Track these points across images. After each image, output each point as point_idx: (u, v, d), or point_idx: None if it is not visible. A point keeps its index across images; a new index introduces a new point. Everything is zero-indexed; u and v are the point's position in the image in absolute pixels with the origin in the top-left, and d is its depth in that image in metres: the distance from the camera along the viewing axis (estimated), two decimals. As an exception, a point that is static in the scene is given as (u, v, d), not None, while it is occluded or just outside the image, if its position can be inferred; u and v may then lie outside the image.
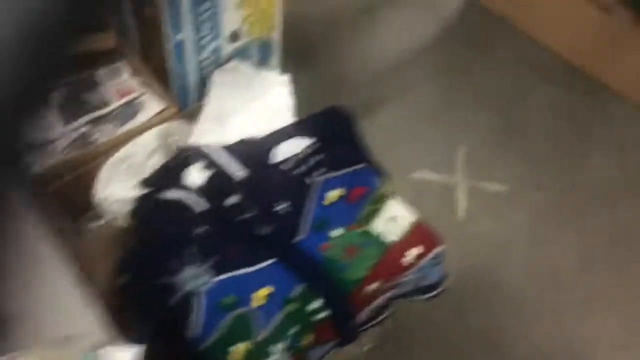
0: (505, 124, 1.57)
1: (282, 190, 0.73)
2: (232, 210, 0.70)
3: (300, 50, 1.64)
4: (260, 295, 0.66)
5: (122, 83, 1.23)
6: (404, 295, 0.82)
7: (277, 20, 1.21)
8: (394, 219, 0.75)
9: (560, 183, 1.47)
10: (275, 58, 1.29)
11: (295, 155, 0.76)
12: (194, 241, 0.66)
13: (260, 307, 0.65)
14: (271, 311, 0.65)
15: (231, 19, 1.11)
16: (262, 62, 1.25)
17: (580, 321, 1.23)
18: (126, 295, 0.63)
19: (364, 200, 0.75)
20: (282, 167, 0.75)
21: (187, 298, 0.62)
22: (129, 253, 0.65)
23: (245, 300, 0.65)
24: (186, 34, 1.06)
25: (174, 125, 1.10)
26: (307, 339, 0.65)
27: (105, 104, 1.20)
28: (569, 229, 1.39)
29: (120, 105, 1.21)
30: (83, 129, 1.16)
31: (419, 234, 0.74)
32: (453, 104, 1.59)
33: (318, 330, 0.66)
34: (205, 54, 1.13)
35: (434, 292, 0.82)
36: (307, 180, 0.74)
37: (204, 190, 0.71)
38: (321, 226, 0.73)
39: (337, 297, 0.68)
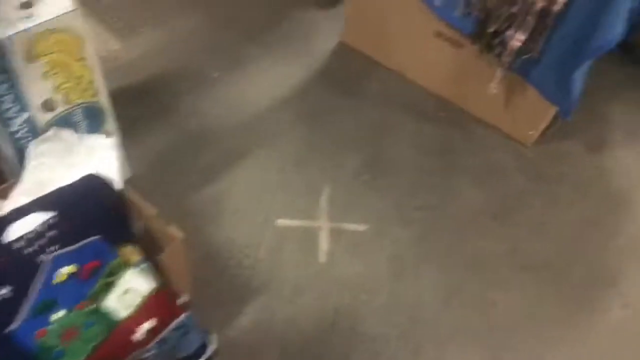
0: (371, 163, 1.54)
1: (7, 273, 0.67)
2: None
3: (156, 110, 1.62)
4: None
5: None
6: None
7: (99, 84, 1.18)
8: (127, 292, 0.70)
9: (426, 218, 1.43)
10: (109, 122, 1.25)
11: (30, 232, 0.71)
12: None
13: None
14: None
15: (39, 89, 1.08)
16: (93, 127, 1.21)
17: (442, 357, 1.18)
18: None
19: (97, 274, 0.70)
20: (14, 246, 0.70)
21: None
22: None
23: None
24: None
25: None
26: None
27: None
28: (431, 263, 1.35)
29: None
30: None
31: (152, 306, 0.68)
32: (319, 148, 1.56)
33: None
34: (15, 126, 1.08)
35: (198, 361, 0.77)
36: (39, 259, 0.69)
37: None
38: (44, 309, 0.67)
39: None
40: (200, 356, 0.75)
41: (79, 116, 1.19)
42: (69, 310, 0.66)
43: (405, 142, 1.64)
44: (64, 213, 0.72)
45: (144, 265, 0.73)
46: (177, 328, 0.68)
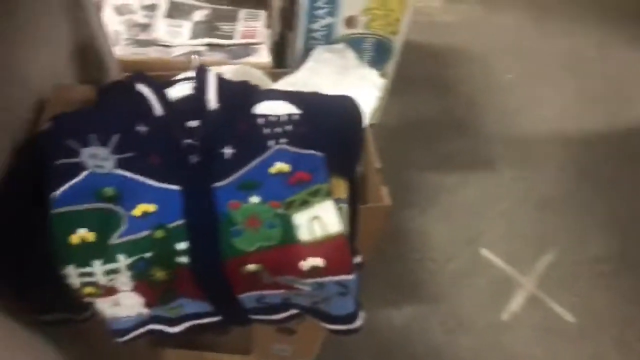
0: (618, 255, 1.25)
1: (240, 138, 0.68)
2: (184, 130, 0.68)
3: (434, 79, 1.53)
4: (142, 208, 0.63)
5: (252, 27, 1.30)
6: (305, 310, 0.70)
7: (404, 26, 1.14)
8: (317, 219, 0.64)
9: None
10: (390, 65, 1.22)
11: (274, 116, 0.71)
12: (126, 132, 0.66)
13: (132, 217, 0.62)
14: (140, 227, 0.61)
15: (352, 3, 1.08)
16: (375, 62, 1.19)
17: None
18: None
19: (302, 187, 0.66)
20: (257, 120, 0.70)
21: (72, 167, 0.62)
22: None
23: (126, 203, 0.63)
24: (302, 1, 1.07)
25: (255, 72, 1.12)
26: (161, 275, 0.60)
27: (229, 37, 1.29)
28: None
29: (239, 44, 1.28)
30: (200, 47, 1.27)
31: (330, 248, 0.62)
32: (574, 206, 1.31)
33: (178, 276, 0.61)
34: (316, 25, 1.12)
35: (339, 327, 0.69)
36: (269, 143, 0.69)
37: (173, 104, 0.71)
38: (247, 187, 0.66)
39: (206, 250, 0.62)
40: (345, 324, 0.67)
41: (369, 45, 1.18)
42: (263, 202, 0.64)
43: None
44: (309, 117, 0.70)
45: (343, 206, 0.67)
46: (340, 283, 0.61)
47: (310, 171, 0.67)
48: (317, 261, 0.62)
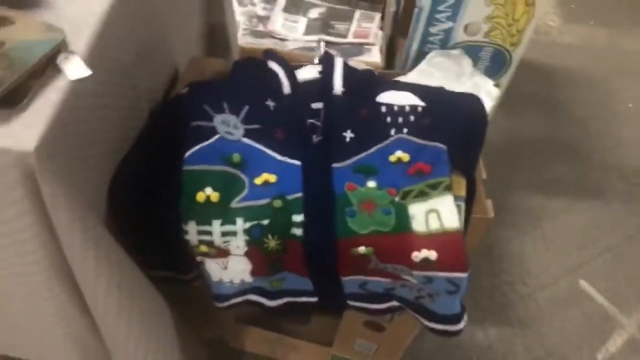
0: None
1: (362, 124, 0.69)
2: (309, 110, 0.70)
3: (548, 100, 1.46)
4: (265, 177, 0.65)
5: (366, 28, 1.32)
6: (407, 304, 0.69)
7: (525, 38, 1.11)
8: (434, 213, 0.63)
9: None
10: (505, 78, 1.18)
11: (398, 105, 0.71)
12: (255, 105, 0.69)
13: (254, 184, 0.64)
14: (260, 194, 0.63)
15: (476, 10, 1.06)
16: (490, 72, 1.16)
17: None
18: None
19: (421, 178, 0.65)
20: (381, 108, 0.71)
21: (206, 130, 0.65)
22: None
23: (249, 170, 0.65)
24: (425, 3, 1.07)
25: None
26: (273, 244, 0.62)
27: (343, 35, 1.31)
28: None
29: (352, 43, 1.30)
30: (313, 44, 1.30)
31: (444, 243, 0.61)
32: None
33: (289, 248, 0.62)
34: (434, 29, 1.11)
35: (442, 327, 0.67)
36: (391, 131, 0.69)
37: (300, 84, 0.73)
38: (365, 171, 0.66)
39: (321, 225, 0.62)
40: (449, 324, 0.65)
41: (486, 55, 1.15)
42: (380, 187, 0.63)
43: None
44: (432, 109, 0.69)
45: (461, 204, 0.65)
46: (451, 280, 0.59)
47: (431, 163, 0.66)
48: (431, 254, 0.60)
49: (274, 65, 0.73)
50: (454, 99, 0.73)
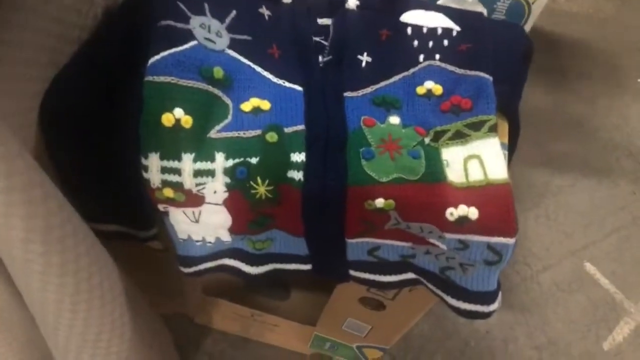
0: None
1: (382, 46, 0.52)
2: (313, 26, 0.53)
3: (551, 70, 1.33)
4: (255, 103, 0.48)
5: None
6: (428, 277, 0.54)
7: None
8: (476, 159, 0.48)
9: None
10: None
11: (426, 27, 0.54)
12: (246, 10, 0.51)
13: (240, 111, 0.47)
14: (249, 123, 0.46)
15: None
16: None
17: None
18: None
19: (458, 116, 0.50)
20: (405, 29, 0.54)
21: (178, 32, 0.47)
22: None
23: (234, 92, 0.48)
24: None
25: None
26: (263, 190, 0.45)
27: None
28: None
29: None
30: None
31: (490, 198, 0.45)
32: None
33: (283, 197, 0.46)
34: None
35: (470, 307, 0.52)
36: (420, 56, 0.52)
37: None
38: (385, 104, 0.50)
39: (329, 169, 0.46)
40: (482, 303, 0.50)
41: (503, 5, 1.00)
42: (405, 125, 0.47)
43: None
44: (470, 34, 0.53)
45: (505, 151, 0.50)
46: (493, 247, 0.44)
47: (471, 97, 0.50)
48: (470, 211, 0.45)
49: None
50: (495, 25, 0.58)
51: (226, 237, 0.51)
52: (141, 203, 0.48)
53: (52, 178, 0.41)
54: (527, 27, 1.02)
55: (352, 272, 0.55)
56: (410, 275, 0.54)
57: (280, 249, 0.53)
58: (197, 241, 0.52)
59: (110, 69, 0.47)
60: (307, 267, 0.55)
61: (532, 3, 1.00)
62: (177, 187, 0.46)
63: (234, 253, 0.54)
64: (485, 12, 0.98)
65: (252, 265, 0.55)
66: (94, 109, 0.46)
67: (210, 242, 0.52)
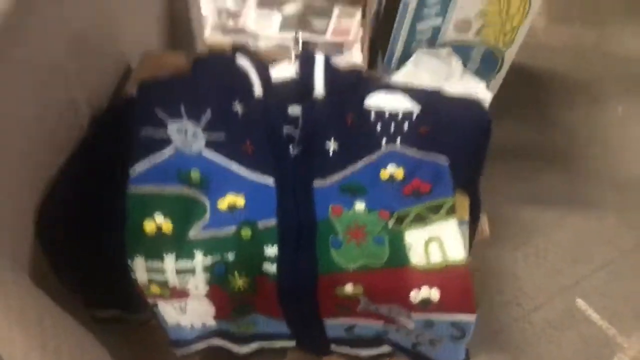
0: None
1: (348, 132, 0.57)
2: (284, 116, 0.58)
3: (535, 104, 1.38)
4: (230, 200, 0.53)
5: (345, 26, 1.21)
6: (402, 350, 0.58)
7: (519, 36, 1.01)
8: (436, 242, 0.52)
9: None
10: (496, 79, 1.09)
11: (389, 110, 0.60)
12: (220, 108, 0.57)
13: (217, 209, 0.52)
14: (224, 221, 0.51)
15: (467, 5, 0.97)
16: (480, 73, 1.06)
17: None
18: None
19: (419, 199, 0.54)
20: (369, 113, 0.59)
21: (157, 141, 0.53)
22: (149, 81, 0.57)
23: (211, 191, 0.53)
24: (412, -3, 0.96)
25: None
26: (240, 282, 0.50)
27: (321, 32, 1.20)
28: None
29: (330, 42, 1.19)
30: (289, 41, 1.18)
31: (450, 279, 0.50)
32: None
33: (260, 287, 0.50)
34: (421, 26, 1.01)
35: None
36: (382, 140, 0.57)
37: (275, 86, 0.61)
38: (351, 191, 0.55)
39: (299, 260, 0.50)
40: None
41: (477, 54, 1.05)
42: (370, 210, 0.52)
43: None
44: (429, 115, 0.58)
45: (464, 228, 0.55)
46: (456, 324, 0.48)
47: (430, 180, 0.55)
48: (433, 293, 0.50)
49: (243, 62, 0.61)
50: (453, 104, 0.63)
51: (212, 322, 0.56)
52: (132, 293, 0.53)
53: (52, 273, 0.45)
54: (502, 74, 1.08)
55: (333, 347, 0.59)
56: (386, 348, 0.58)
57: (264, 329, 0.58)
58: (186, 327, 0.56)
59: (97, 178, 0.52)
60: (292, 343, 0.59)
61: (505, 51, 1.06)
62: (162, 284, 0.50)
63: (221, 334, 0.59)
64: (460, 62, 1.04)
65: (239, 344, 0.60)
66: (85, 218, 0.51)
67: (197, 327, 0.56)
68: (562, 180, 1.26)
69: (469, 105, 0.63)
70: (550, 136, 1.35)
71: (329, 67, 0.63)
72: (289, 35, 1.19)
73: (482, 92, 1.01)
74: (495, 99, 1.12)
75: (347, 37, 1.19)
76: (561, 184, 1.25)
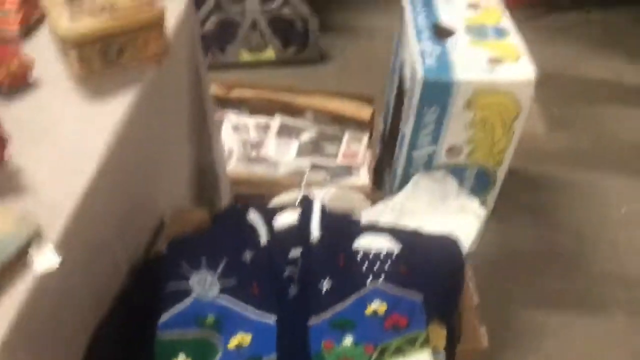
0: None
1: (339, 272, 0.70)
2: (286, 260, 0.71)
3: (543, 207, 1.47)
4: (239, 338, 0.64)
5: (354, 149, 1.37)
6: None
7: (508, 157, 1.14)
8: (411, 373, 0.62)
9: None
10: (491, 196, 1.21)
11: (375, 252, 0.72)
12: (233, 258, 0.70)
13: (227, 349, 0.64)
14: (234, 358, 0.63)
15: (456, 134, 1.11)
16: (475, 191, 1.19)
17: None
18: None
19: (398, 333, 0.65)
20: (357, 256, 0.72)
21: (180, 293, 0.66)
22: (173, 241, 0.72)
23: (224, 330, 0.65)
24: (407, 128, 1.12)
25: (355, 195, 1.16)
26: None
27: (333, 156, 1.36)
28: None
29: (341, 165, 1.35)
30: (305, 167, 1.35)
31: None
32: None
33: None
34: (417, 153, 1.15)
35: None
36: (368, 279, 0.69)
37: (278, 233, 0.75)
38: (342, 326, 0.66)
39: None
40: None
41: (471, 175, 1.18)
42: (357, 344, 0.63)
43: None
44: (408, 255, 0.70)
45: (440, 357, 0.64)
46: None
47: (407, 315, 0.66)
48: None
49: (253, 216, 0.75)
50: (430, 243, 0.74)
51: None
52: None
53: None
54: (496, 190, 1.19)
55: None
56: None
57: None
58: None
59: (135, 327, 0.65)
60: None
61: (497, 170, 1.18)
62: None
63: None
64: (455, 183, 1.16)
65: None
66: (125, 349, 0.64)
67: None
68: (571, 282, 1.31)
69: (446, 245, 0.74)
70: (557, 239, 1.42)
71: (324, 213, 0.77)
72: (305, 161, 1.35)
73: (476, 209, 1.12)
74: (496, 205, 1.23)
75: (355, 159, 1.34)
76: (570, 285, 1.31)
